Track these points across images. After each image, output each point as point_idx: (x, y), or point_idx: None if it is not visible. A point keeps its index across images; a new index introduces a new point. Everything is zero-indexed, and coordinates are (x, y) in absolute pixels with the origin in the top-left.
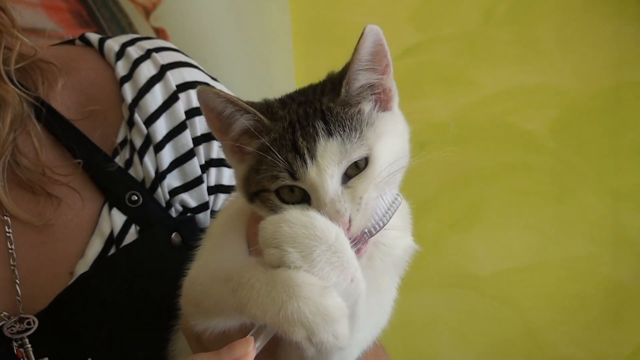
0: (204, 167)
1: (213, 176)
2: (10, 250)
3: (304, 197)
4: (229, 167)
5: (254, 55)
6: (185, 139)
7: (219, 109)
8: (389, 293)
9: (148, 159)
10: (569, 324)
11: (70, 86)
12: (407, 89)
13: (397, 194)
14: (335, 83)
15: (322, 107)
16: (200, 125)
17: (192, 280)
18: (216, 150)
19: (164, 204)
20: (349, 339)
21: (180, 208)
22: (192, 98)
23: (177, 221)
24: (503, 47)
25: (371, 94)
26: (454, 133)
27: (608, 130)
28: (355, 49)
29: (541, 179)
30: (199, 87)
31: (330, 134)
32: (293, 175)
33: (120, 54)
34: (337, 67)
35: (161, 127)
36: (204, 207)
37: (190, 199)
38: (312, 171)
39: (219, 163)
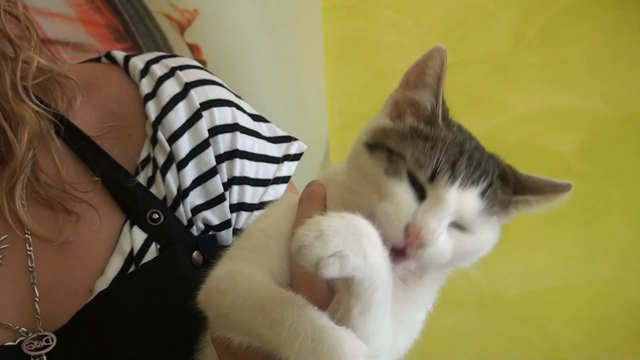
0: (226, 185)
1: (235, 194)
2: (30, 268)
3: (412, 195)
4: (251, 185)
5: (286, 72)
6: (208, 157)
7: (427, 73)
8: (422, 306)
9: (170, 177)
10: (594, 347)
11: (93, 103)
12: None
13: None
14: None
15: (493, 177)
16: (223, 143)
17: (220, 289)
18: (238, 168)
19: (185, 222)
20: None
21: (202, 226)
22: (215, 116)
23: (198, 240)
24: (533, 70)
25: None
26: None
27: (637, 154)
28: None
29: (569, 202)
30: (441, 46)
31: (482, 195)
32: (433, 176)
33: (145, 71)
34: (367, 85)
35: (184, 145)
36: (226, 224)
37: (212, 216)
38: (453, 191)
39: (241, 181)
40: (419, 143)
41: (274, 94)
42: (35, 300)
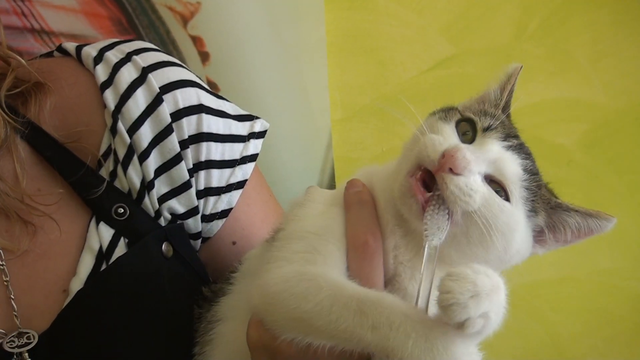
0: (192, 171)
1: (202, 180)
2: (1, 266)
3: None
4: (217, 167)
5: (288, 64)
6: (172, 144)
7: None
8: None
9: (132, 170)
10: (595, 337)
11: (50, 97)
12: (438, 100)
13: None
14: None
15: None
16: (188, 127)
17: (294, 292)
18: (204, 152)
19: (153, 214)
20: None
21: (168, 216)
22: (178, 99)
23: (167, 230)
24: (535, 62)
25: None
26: None
27: (638, 145)
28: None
29: (571, 193)
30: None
31: (524, 170)
32: (483, 130)
33: (99, 58)
34: (369, 77)
35: (145, 134)
36: (192, 212)
37: (178, 204)
38: (498, 144)
39: (207, 165)
40: (482, 113)
41: (276, 86)
42: (11, 298)
